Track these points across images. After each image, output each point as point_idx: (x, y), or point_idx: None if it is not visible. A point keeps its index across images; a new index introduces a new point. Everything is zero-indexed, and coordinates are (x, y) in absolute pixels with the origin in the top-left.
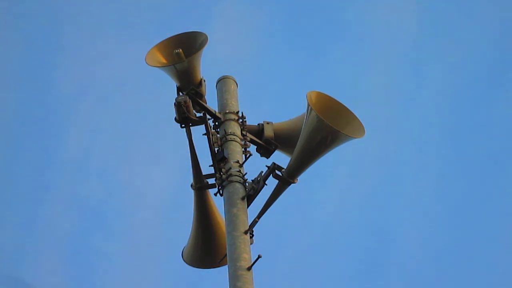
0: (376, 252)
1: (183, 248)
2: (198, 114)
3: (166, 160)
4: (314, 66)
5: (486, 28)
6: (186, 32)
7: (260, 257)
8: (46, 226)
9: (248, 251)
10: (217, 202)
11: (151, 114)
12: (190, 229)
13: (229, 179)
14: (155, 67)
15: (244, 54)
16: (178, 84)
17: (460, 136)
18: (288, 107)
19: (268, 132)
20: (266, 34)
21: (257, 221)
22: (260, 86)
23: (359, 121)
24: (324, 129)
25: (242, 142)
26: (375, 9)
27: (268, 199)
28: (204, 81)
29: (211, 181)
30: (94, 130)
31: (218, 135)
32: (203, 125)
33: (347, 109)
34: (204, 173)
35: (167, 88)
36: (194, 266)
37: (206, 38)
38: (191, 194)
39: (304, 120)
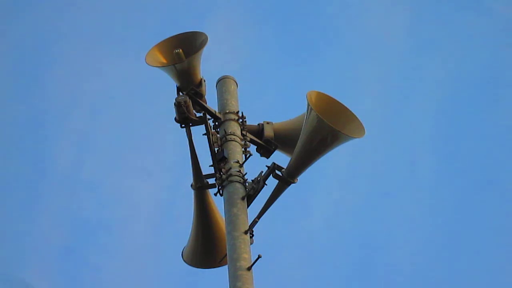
0: (367, 262)
1: (183, 248)
2: (198, 114)
3: (164, 163)
4: (314, 66)
5: (482, 33)
6: (186, 32)
7: (260, 257)
8: (38, 238)
9: (248, 251)
10: (217, 202)
11: (148, 119)
12: (190, 229)
13: (229, 179)
14: (155, 67)
15: (243, 54)
16: (178, 84)
17: (454, 145)
18: (288, 107)
19: (268, 132)
20: (266, 35)
21: (257, 221)
22: (260, 86)
23: (359, 121)
24: (324, 129)
25: (242, 142)
26: (369, 14)
27: (268, 199)
28: (204, 81)
29: (211, 181)
30: (86, 141)
31: (218, 135)
32: (203, 125)
33: (347, 109)
34: (204, 173)
35: (161, 92)
36: (194, 266)
37: (206, 38)
38: (189, 196)
39: (304, 120)
